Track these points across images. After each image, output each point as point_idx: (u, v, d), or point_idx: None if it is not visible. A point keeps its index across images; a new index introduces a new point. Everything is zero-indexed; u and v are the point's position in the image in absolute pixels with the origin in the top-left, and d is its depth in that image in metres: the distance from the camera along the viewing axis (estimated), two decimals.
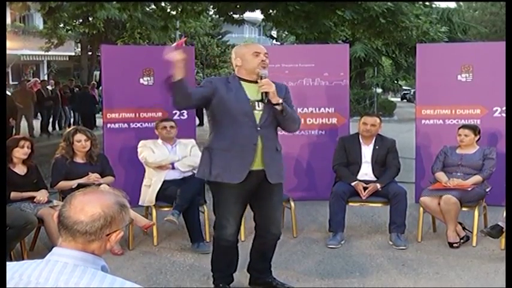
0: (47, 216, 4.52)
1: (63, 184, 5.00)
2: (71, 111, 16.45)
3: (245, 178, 3.66)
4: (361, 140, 5.46)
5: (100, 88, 15.65)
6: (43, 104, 14.77)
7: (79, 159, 5.12)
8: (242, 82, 3.72)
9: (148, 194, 5.24)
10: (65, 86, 17.15)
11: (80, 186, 4.69)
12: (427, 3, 16.36)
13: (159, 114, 6.36)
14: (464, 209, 5.09)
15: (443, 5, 31.75)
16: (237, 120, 3.65)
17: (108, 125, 6.41)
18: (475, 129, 5.39)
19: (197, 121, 11.04)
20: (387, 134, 5.77)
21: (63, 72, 29.74)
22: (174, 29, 17.60)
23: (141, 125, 6.44)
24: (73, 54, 28.93)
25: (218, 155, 3.69)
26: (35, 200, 4.74)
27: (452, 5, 33.82)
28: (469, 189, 5.06)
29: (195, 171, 5.31)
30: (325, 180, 6.23)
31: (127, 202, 1.79)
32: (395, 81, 29.95)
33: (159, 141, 5.43)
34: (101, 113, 8.31)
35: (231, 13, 12.43)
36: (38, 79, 18.77)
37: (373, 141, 5.43)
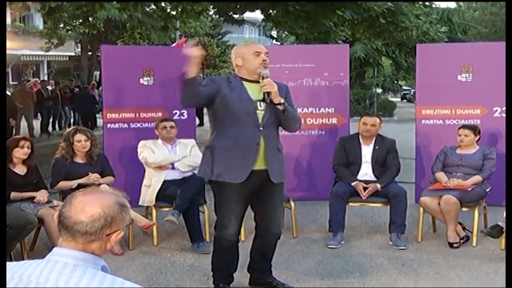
0: (47, 216, 4.52)
1: (63, 184, 5.00)
2: (71, 112, 16.45)
3: (247, 178, 3.66)
4: (361, 140, 5.46)
5: (100, 88, 15.66)
6: (43, 104, 14.77)
7: (79, 160, 5.12)
8: (244, 82, 3.73)
9: (148, 194, 5.24)
10: (65, 86, 17.15)
11: (80, 186, 4.70)
12: (427, 3, 16.37)
13: (159, 114, 6.36)
14: (464, 209, 5.09)
15: (443, 5, 31.74)
16: (239, 120, 3.65)
17: (108, 125, 6.41)
18: (475, 129, 5.39)
19: (197, 121, 11.04)
20: (387, 134, 5.77)
21: (63, 72, 29.73)
22: (174, 29, 17.60)
23: (141, 125, 6.44)
24: (73, 54, 28.93)
25: (220, 154, 3.69)
26: (35, 200, 4.74)
27: (452, 5, 33.88)
28: (469, 189, 5.06)
29: (195, 171, 5.34)
30: (325, 180, 6.23)
31: (127, 202, 1.79)
32: (396, 82, 29.95)
33: (159, 141, 5.43)
34: (101, 113, 8.31)
35: (231, 13, 12.43)
36: (38, 79, 18.76)
37: (373, 141, 5.43)
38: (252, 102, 3.69)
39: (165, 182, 5.21)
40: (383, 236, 5.33)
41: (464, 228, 5.15)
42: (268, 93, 3.63)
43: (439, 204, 5.02)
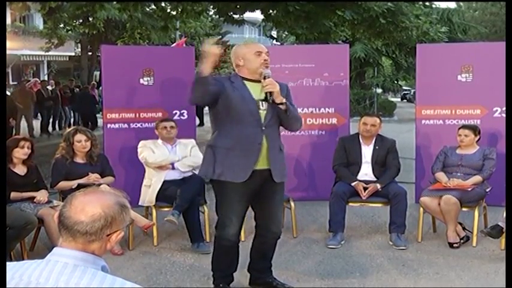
0: (47, 217, 4.52)
1: (63, 184, 5.00)
2: (71, 112, 16.46)
3: (249, 177, 3.66)
4: (361, 140, 5.46)
5: (100, 88, 15.66)
6: (43, 104, 14.77)
7: (79, 160, 5.12)
8: (245, 81, 3.72)
9: (149, 194, 5.24)
10: (65, 86, 17.15)
11: (80, 186, 4.70)
12: (427, 3, 16.37)
13: (159, 114, 6.36)
14: (464, 209, 5.09)
15: (443, 5, 31.73)
16: (242, 120, 3.65)
17: (108, 125, 6.41)
18: (475, 129, 5.39)
19: (197, 121, 11.04)
20: (387, 134, 5.77)
21: (63, 72, 29.73)
22: (174, 29, 17.60)
23: (141, 125, 6.45)
24: (73, 54, 28.93)
25: (222, 153, 3.69)
26: (35, 200, 4.74)
27: (452, 5, 33.88)
28: (469, 189, 5.06)
29: (195, 171, 5.35)
30: (325, 180, 6.23)
31: (127, 202, 1.79)
32: (396, 82, 29.97)
33: (159, 141, 5.43)
34: (101, 113, 8.31)
35: (231, 13, 12.42)
36: (38, 79, 18.77)
37: (373, 141, 5.43)
38: (255, 102, 3.69)
39: (165, 182, 5.21)
40: (383, 236, 5.33)
41: (464, 229, 5.15)
42: (271, 93, 3.63)
43: (439, 204, 5.02)
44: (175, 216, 4.89)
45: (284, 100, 3.68)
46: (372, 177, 5.35)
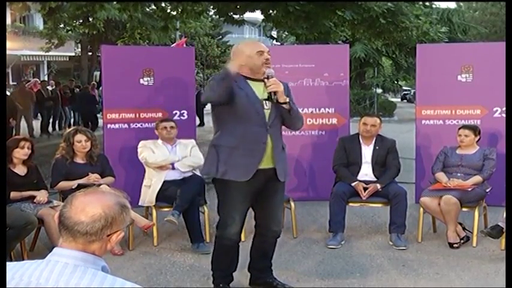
0: (47, 217, 4.52)
1: (63, 184, 5.00)
2: (71, 112, 16.46)
3: (253, 176, 3.66)
4: (361, 141, 5.46)
5: (100, 88, 15.66)
6: (43, 104, 14.78)
7: (79, 160, 5.12)
8: (248, 81, 3.72)
9: (149, 194, 5.24)
10: (65, 86, 17.15)
11: (80, 186, 4.70)
12: (427, 3, 16.36)
13: (159, 114, 6.36)
14: (464, 209, 5.09)
15: (443, 5, 31.85)
16: (247, 119, 3.65)
17: (108, 126, 6.41)
18: (475, 129, 5.39)
19: (197, 121, 11.03)
20: (387, 134, 5.77)
21: (63, 72, 29.73)
22: (174, 29, 17.60)
23: (141, 125, 6.44)
24: (73, 54, 28.94)
25: (226, 152, 3.69)
26: (35, 201, 4.74)
27: (452, 5, 33.88)
28: (469, 189, 5.06)
29: (195, 172, 5.35)
30: (325, 180, 6.23)
31: (128, 203, 1.79)
32: (396, 82, 29.97)
33: (159, 141, 5.43)
34: (101, 113, 8.31)
35: (231, 13, 12.42)
36: (38, 79, 18.78)
37: (373, 141, 5.43)
38: (259, 101, 3.69)
39: (165, 182, 5.21)
40: (383, 236, 5.33)
41: (464, 229, 5.15)
42: (275, 92, 3.63)
43: (439, 204, 5.02)
44: (175, 216, 4.90)
45: (287, 99, 3.68)
46: (372, 178, 5.34)
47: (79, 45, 26.98)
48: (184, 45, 15.15)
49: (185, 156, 5.36)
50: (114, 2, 13.50)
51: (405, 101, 38.43)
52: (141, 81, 6.43)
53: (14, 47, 22.22)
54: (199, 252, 4.85)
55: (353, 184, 5.24)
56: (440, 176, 5.31)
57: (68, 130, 5.38)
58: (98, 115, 14.62)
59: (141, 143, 5.42)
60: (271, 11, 12.00)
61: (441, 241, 5.13)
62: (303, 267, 4.60)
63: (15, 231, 4.34)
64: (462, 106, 6.45)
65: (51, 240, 4.52)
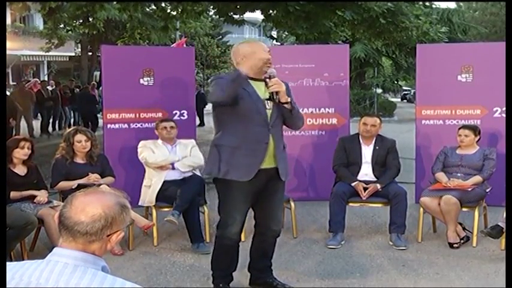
0: (47, 217, 4.52)
1: (63, 184, 5.00)
2: (71, 112, 16.46)
3: (254, 176, 3.67)
4: (361, 141, 5.46)
5: (100, 88, 15.66)
6: (43, 104, 14.78)
7: (79, 160, 5.12)
8: (250, 81, 3.71)
9: (149, 194, 5.24)
10: (65, 86, 17.16)
11: (80, 186, 4.70)
12: (427, 3, 16.35)
13: (159, 114, 6.36)
14: (464, 209, 5.09)
15: (443, 5, 31.80)
16: (249, 119, 3.65)
17: (108, 126, 6.41)
18: (475, 129, 5.39)
19: (197, 121, 11.04)
20: (387, 134, 5.77)
21: (63, 72, 29.74)
22: (174, 29, 17.59)
23: (141, 125, 6.44)
24: (73, 54, 28.94)
25: (227, 152, 3.69)
26: (35, 201, 4.74)
27: (452, 5, 33.88)
28: (469, 189, 5.06)
29: (195, 172, 5.35)
30: (325, 180, 6.23)
31: (128, 203, 1.79)
32: (396, 82, 29.97)
33: (159, 141, 5.43)
34: (101, 113, 8.32)
35: (231, 13, 12.42)
36: (38, 79, 18.78)
37: (373, 141, 5.43)
38: (261, 101, 3.69)
39: (165, 182, 5.21)
40: (383, 236, 5.33)
41: (464, 229, 5.15)
42: (277, 92, 3.63)
43: (439, 204, 5.02)
44: (175, 216, 4.90)
45: (289, 99, 3.69)
46: (372, 178, 5.34)
47: (79, 45, 26.98)
48: (184, 45, 15.15)
49: (185, 156, 5.36)
50: (114, 2, 13.49)
51: (405, 101, 38.43)
52: (141, 81, 6.43)
53: (14, 47, 22.22)
54: (199, 252, 4.85)
55: (353, 184, 5.24)
56: (440, 176, 5.31)
57: (68, 130, 5.38)
58: (98, 115, 14.61)
59: (141, 143, 5.42)
60: (271, 11, 11.99)
61: (441, 241, 5.13)
62: (303, 267, 4.60)
63: (15, 231, 4.34)
64: (462, 106, 6.45)
65: (51, 240, 4.52)
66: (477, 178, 5.18)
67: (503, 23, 25.37)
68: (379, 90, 27.97)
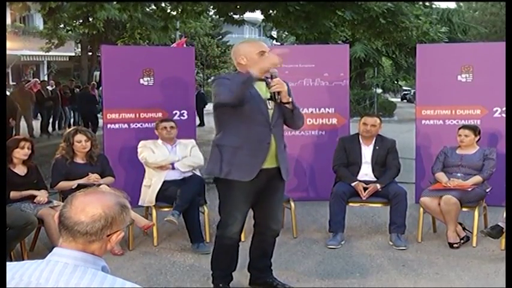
0: (47, 217, 4.52)
1: (63, 184, 5.00)
2: (71, 112, 16.46)
3: (256, 176, 3.67)
4: (361, 141, 5.46)
5: (100, 88, 15.66)
6: (43, 104, 14.77)
7: (79, 160, 5.12)
8: None
9: (148, 194, 5.24)
10: (65, 86, 17.16)
11: (79, 186, 4.70)
12: (427, 3, 16.35)
13: (159, 114, 6.36)
14: (464, 209, 5.09)
15: (443, 5, 31.80)
16: (251, 119, 3.64)
17: (108, 126, 6.41)
18: (475, 129, 5.39)
19: (197, 121, 11.03)
20: (387, 134, 5.77)
21: (63, 72, 29.74)
22: (174, 29, 17.59)
23: (141, 125, 6.44)
24: (73, 54, 28.94)
25: (229, 152, 3.69)
26: (35, 201, 4.74)
27: (452, 5, 33.88)
28: (469, 189, 5.06)
29: (195, 172, 5.35)
30: (325, 180, 6.23)
31: (128, 203, 1.79)
32: (396, 82, 30.00)
33: (159, 141, 5.43)
34: (101, 113, 8.32)
35: (231, 13, 12.43)
36: (38, 79, 18.79)
37: (373, 141, 5.43)
38: (263, 101, 3.70)
39: (165, 182, 5.21)
40: (383, 236, 5.33)
41: (464, 229, 5.15)
42: (278, 92, 3.63)
43: (439, 204, 5.01)
44: (175, 216, 4.90)
45: (291, 99, 3.69)
46: (372, 178, 5.34)
47: (79, 45, 26.98)
48: (184, 45, 15.15)
49: (185, 156, 5.36)
50: (114, 2, 13.49)
51: (405, 101, 38.42)
52: (141, 81, 6.43)
53: (14, 47, 22.22)
54: (199, 252, 4.85)
55: (353, 184, 5.24)
56: (440, 176, 5.31)
57: (68, 130, 5.38)
58: (98, 115, 14.62)
59: (141, 143, 5.42)
60: (271, 11, 12.00)
61: (441, 241, 5.13)
62: (303, 267, 4.60)
63: (15, 231, 4.34)
64: (462, 106, 6.45)
65: (51, 240, 4.52)
66: (477, 178, 5.18)
67: (503, 23, 25.38)
68: (379, 90, 27.99)
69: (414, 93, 12.36)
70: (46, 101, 14.85)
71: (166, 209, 5.14)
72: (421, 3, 14.10)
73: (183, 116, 6.55)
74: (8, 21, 23.44)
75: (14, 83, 23.23)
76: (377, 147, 5.40)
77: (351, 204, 5.30)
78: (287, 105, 3.70)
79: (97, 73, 25.01)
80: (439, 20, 23.00)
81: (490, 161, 5.25)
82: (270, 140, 3.70)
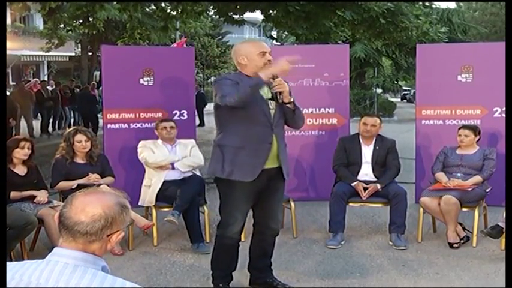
0: (47, 217, 4.52)
1: (63, 184, 5.00)
2: (71, 112, 16.46)
3: (257, 176, 3.67)
4: (361, 141, 5.46)
5: (100, 88, 15.66)
6: (43, 104, 14.78)
7: (79, 160, 5.12)
8: None
9: (149, 194, 5.24)
10: (65, 86, 17.16)
11: (79, 186, 4.70)
12: (427, 3, 16.36)
13: (159, 114, 6.36)
14: (464, 209, 5.09)
15: (443, 5, 31.81)
16: (253, 119, 3.64)
17: (108, 126, 6.41)
18: (475, 129, 5.39)
19: (197, 121, 11.03)
20: (387, 134, 5.77)
21: (63, 72, 29.75)
22: (174, 29, 17.58)
23: (141, 125, 6.44)
24: (73, 54, 28.94)
25: (231, 152, 3.69)
26: (35, 201, 4.74)
27: (452, 5, 33.89)
28: (469, 189, 5.06)
29: (195, 172, 5.35)
30: (325, 180, 6.23)
31: (128, 203, 1.79)
32: (396, 82, 30.02)
33: (159, 141, 5.43)
34: (101, 113, 8.32)
35: (231, 13, 12.43)
36: (38, 79, 18.79)
37: (373, 141, 5.43)
38: (265, 101, 3.70)
39: (165, 182, 5.21)
40: (383, 236, 5.33)
41: (464, 229, 5.15)
42: (280, 92, 3.63)
43: (439, 204, 5.01)
44: (175, 216, 4.90)
45: (292, 99, 3.69)
46: (372, 178, 5.35)
47: (79, 45, 26.98)
48: (184, 45, 15.15)
49: (185, 156, 5.36)
50: (114, 2, 13.50)
51: (405, 101, 38.43)
52: (141, 81, 6.43)
53: (14, 47, 22.22)
54: (199, 252, 4.85)
55: (353, 184, 5.24)
56: (440, 176, 5.31)
57: (68, 130, 5.39)
58: (98, 115, 14.62)
59: (141, 143, 5.42)
60: (271, 11, 12.00)
61: (441, 241, 5.13)
62: (303, 267, 4.60)
63: (15, 231, 4.34)
64: (462, 106, 6.45)
65: (51, 240, 4.52)
66: (477, 178, 5.18)
67: (503, 23, 25.37)
68: (379, 90, 28.01)
69: (414, 93, 12.36)
70: (46, 101, 14.86)
71: (166, 209, 5.14)
72: (421, 3, 14.11)
73: (183, 116, 6.55)
74: (8, 21, 23.44)
75: (14, 83, 23.22)
76: (377, 147, 5.40)
77: (351, 204, 5.30)
78: (289, 105, 3.71)
79: (97, 73, 25.02)
80: (439, 20, 22.99)
81: (490, 161, 5.25)
82: (271, 140, 3.70)
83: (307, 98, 6.52)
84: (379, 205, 5.40)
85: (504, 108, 6.17)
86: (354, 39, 20.66)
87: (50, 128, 15.31)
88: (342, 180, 5.35)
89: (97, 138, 5.34)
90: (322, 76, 6.71)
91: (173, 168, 5.28)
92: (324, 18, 11.64)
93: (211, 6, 13.15)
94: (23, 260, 3.94)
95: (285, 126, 3.91)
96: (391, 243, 5.08)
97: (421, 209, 5.22)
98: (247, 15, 13.20)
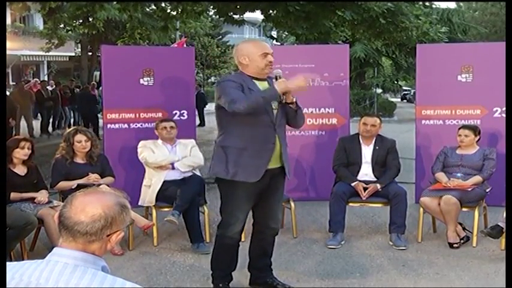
0: (47, 217, 4.52)
1: (63, 184, 5.00)
2: (71, 112, 16.46)
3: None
4: (361, 141, 5.46)
5: (100, 88, 15.66)
6: (43, 104, 14.78)
7: (79, 160, 5.12)
8: (254, 81, 3.71)
9: (148, 194, 5.24)
10: (65, 86, 17.16)
11: (79, 186, 4.70)
12: (427, 3, 16.36)
13: (159, 114, 6.36)
14: (464, 209, 5.09)
15: (443, 5, 31.82)
16: (256, 119, 3.64)
17: (108, 126, 6.41)
18: (475, 129, 5.39)
19: (197, 121, 11.03)
20: (387, 134, 5.77)
21: (63, 72, 29.75)
22: (174, 29, 17.59)
23: (141, 125, 6.44)
24: (73, 54, 28.94)
25: (234, 153, 3.68)
26: (35, 201, 4.74)
27: (452, 5, 33.90)
28: (469, 189, 5.06)
29: (195, 172, 5.35)
30: (325, 180, 6.23)
31: (128, 203, 1.79)
32: (396, 82, 30.00)
33: (159, 141, 5.43)
34: (101, 113, 8.32)
35: (231, 13, 12.43)
36: (38, 79, 18.79)
37: (373, 141, 5.43)
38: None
39: (165, 182, 5.21)
40: (383, 236, 5.33)
41: (464, 229, 5.15)
42: (283, 93, 3.63)
43: (439, 204, 5.02)
44: (175, 216, 4.90)
45: (295, 99, 3.69)
46: (372, 178, 5.35)
47: (79, 45, 26.97)
48: (184, 45, 15.15)
49: (185, 156, 5.36)
50: (114, 2, 13.50)
51: (405, 101, 38.42)
52: (141, 81, 6.43)
53: (14, 47, 22.22)
54: (199, 252, 4.85)
55: (353, 184, 5.24)
56: (440, 176, 5.31)
57: (68, 130, 5.39)
58: (98, 115, 14.62)
59: (141, 143, 5.42)
60: (271, 11, 12.00)
61: (441, 241, 5.13)
62: (303, 267, 4.60)
63: (15, 231, 4.34)
64: (462, 106, 6.45)
65: (51, 240, 4.52)
66: (477, 178, 5.18)
67: (503, 23, 25.38)
68: (379, 90, 28.00)
69: (414, 93, 12.36)
70: (46, 101, 14.86)
71: (166, 209, 5.14)
72: (421, 3, 14.11)
73: (183, 116, 6.55)
74: (8, 21, 23.45)
75: (14, 83, 23.22)
76: (377, 147, 5.40)
77: (351, 204, 5.30)
78: (291, 106, 3.71)
79: (97, 73, 25.01)
80: (439, 20, 22.99)
81: (490, 161, 5.25)
82: (274, 141, 3.71)
83: (307, 98, 6.47)
84: (379, 205, 5.40)
85: (504, 108, 6.17)
86: (354, 39, 20.65)
87: (50, 128, 15.30)
88: (342, 180, 5.35)
89: (97, 138, 5.33)
90: (322, 76, 6.70)
91: (173, 168, 5.28)
92: (324, 18, 11.64)
93: (211, 6, 13.15)
94: (23, 260, 3.94)
95: (286, 126, 3.92)
96: (391, 243, 5.08)
97: (421, 209, 5.22)
98: (247, 15, 13.19)
